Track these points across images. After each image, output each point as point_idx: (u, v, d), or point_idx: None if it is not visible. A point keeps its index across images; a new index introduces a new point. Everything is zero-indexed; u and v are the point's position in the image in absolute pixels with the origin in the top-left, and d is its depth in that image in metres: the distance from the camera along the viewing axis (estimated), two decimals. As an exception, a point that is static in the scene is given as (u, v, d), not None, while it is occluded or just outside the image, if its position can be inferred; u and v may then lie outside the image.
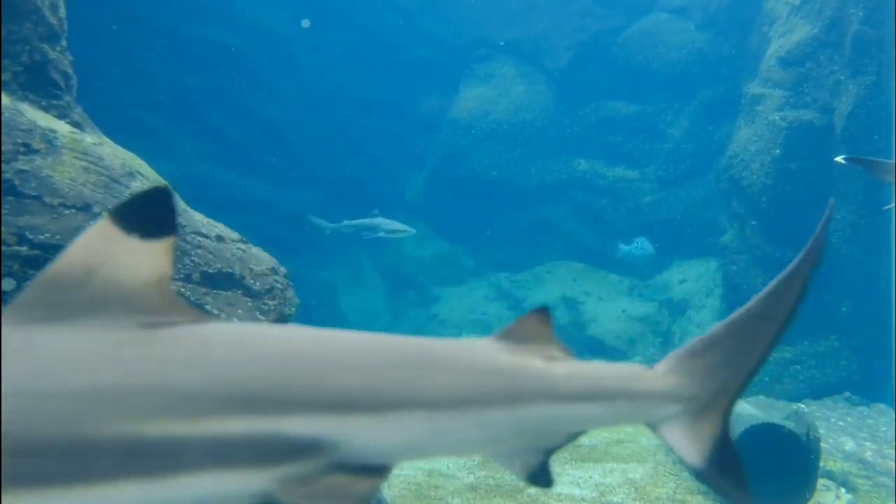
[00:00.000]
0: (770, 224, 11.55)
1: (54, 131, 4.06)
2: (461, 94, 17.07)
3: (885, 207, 7.43)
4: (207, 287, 4.16)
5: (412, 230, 13.56)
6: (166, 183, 4.90)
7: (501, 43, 17.16)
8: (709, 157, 14.98)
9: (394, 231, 13.45)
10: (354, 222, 13.59)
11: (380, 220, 13.45)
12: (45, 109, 4.38)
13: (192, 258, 4.17)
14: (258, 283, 4.40)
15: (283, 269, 4.69)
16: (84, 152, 4.11)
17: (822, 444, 7.09)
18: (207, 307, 4.07)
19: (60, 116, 4.44)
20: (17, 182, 3.69)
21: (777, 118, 11.56)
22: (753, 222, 11.71)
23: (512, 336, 1.94)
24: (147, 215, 1.61)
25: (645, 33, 16.19)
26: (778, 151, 11.39)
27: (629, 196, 15.79)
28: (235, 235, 4.60)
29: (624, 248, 14.74)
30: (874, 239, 10.91)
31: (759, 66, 12.54)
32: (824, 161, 11.18)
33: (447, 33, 17.30)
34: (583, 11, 16.75)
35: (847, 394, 10.36)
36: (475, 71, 17.24)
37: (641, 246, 14.87)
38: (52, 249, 3.58)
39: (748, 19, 13.88)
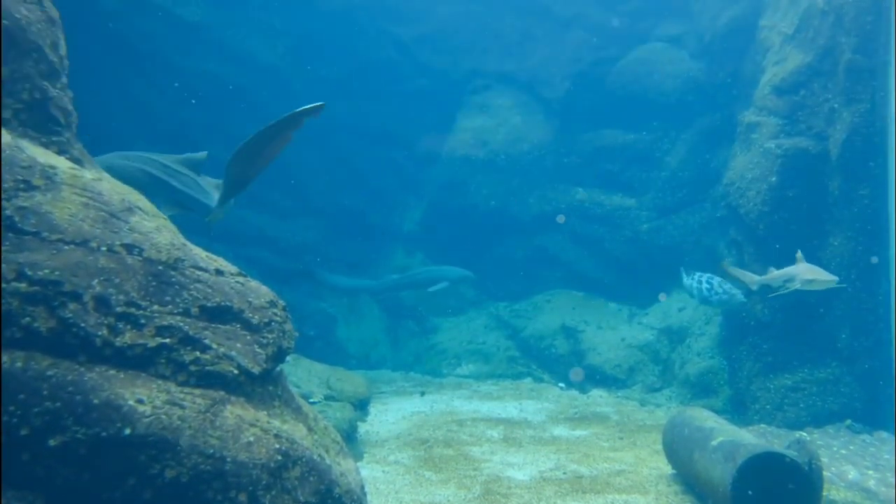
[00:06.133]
0: (768, 251, 11.54)
1: (54, 168, 4.09)
2: (459, 125, 17.16)
3: None
4: (206, 321, 4.15)
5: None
6: (165, 217, 4.92)
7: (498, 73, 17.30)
8: (706, 184, 15.03)
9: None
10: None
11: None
12: (46, 146, 4.41)
13: (191, 292, 4.17)
14: (257, 317, 4.40)
15: (281, 302, 4.69)
16: (84, 188, 4.13)
17: (825, 473, 7.04)
18: (206, 341, 4.06)
19: (60, 152, 4.47)
20: (17, 218, 3.70)
21: (772, 146, 11.62)
22: (760, 249, 11.67)
23: None
24: None
25: (640, 62, 16.33)
26: (774, 179, 11.43)
27: (627, 224, 15.81)
28: (234, 269, 4.60)
29: (686, 279, 12.09)
30: (872, 265, 10.91)
31: (754, 94, 12.63)
32: (821, 188, 11.25)
33: (444, 65, 17.44)
34: (579, 42, 16.90)
35: (849, 421, 10.30)
36: (472, 101, 17.35)
37: (719, 291, 11.41)
38: (50, 285, 3.58)
39: (742, 48, 14.00)
